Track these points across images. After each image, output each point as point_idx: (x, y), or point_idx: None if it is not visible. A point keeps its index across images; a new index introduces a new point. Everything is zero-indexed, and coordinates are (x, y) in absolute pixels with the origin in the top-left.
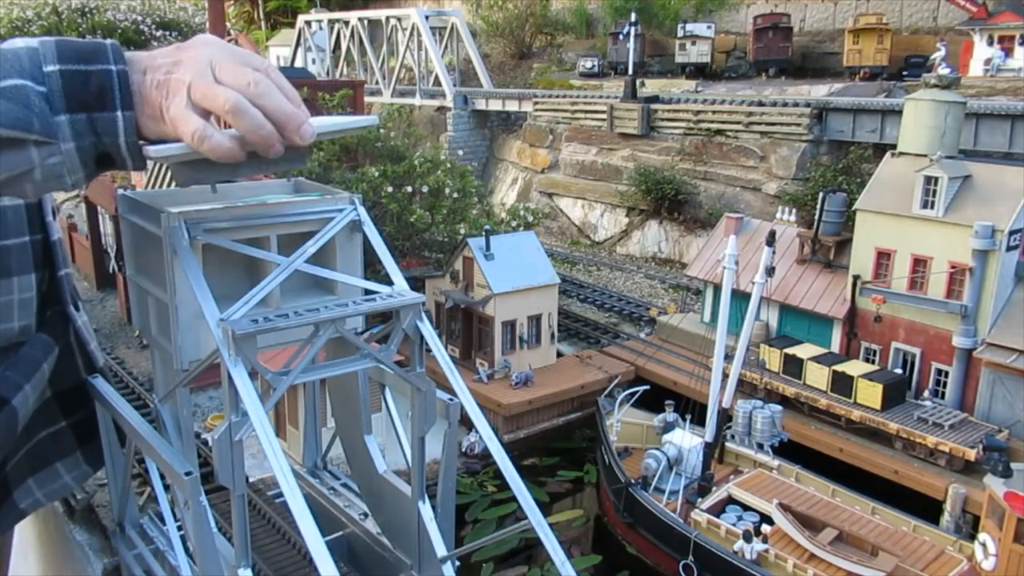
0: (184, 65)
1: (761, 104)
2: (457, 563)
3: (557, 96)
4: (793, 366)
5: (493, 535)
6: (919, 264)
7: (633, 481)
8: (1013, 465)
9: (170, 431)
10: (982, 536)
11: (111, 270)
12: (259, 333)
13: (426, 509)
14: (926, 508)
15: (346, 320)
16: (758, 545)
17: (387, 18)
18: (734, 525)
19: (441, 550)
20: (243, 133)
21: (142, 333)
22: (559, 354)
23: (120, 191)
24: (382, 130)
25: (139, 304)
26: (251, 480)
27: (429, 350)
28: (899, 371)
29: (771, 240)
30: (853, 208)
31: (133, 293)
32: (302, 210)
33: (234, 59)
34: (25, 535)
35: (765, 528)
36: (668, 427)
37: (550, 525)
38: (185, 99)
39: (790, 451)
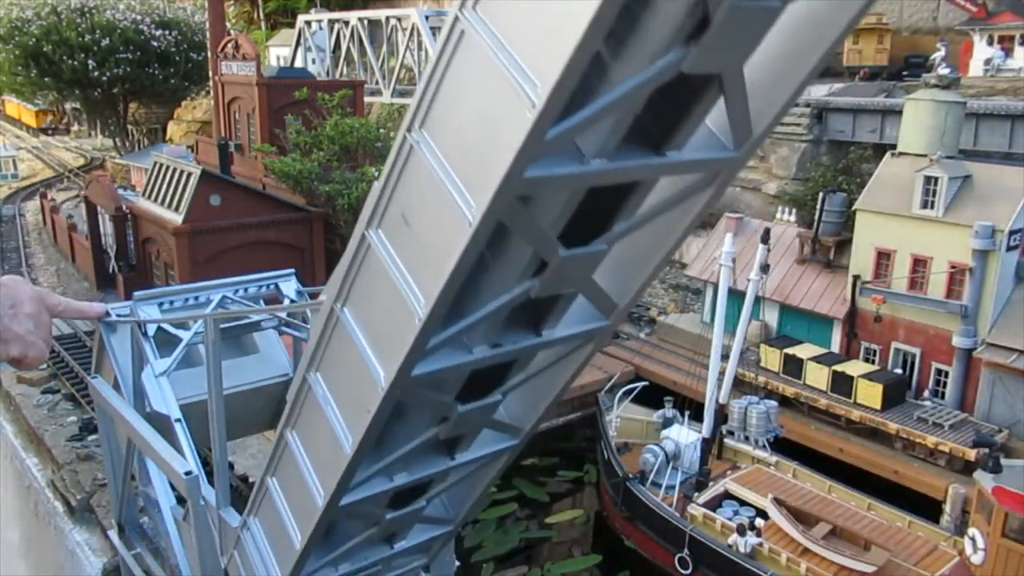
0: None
1: None
2: (457, 563)
3: None
4: (793, 366)
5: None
6: (919, 264)
7: (631, 475)
8: (1004, 461)
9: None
10: (971, 531)
11: (111, 270)
12: (154, 297)
13: None
14: (927, 508)
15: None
16: (752, 539)
17: (387, 18)
18: (729, 519)
19: None
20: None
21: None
22: None
23: (118, 190)
24: (382, 130)
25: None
26: (251, 480)
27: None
28: (899, 371)
29: (766, 238)
30: (853, 208)
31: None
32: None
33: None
34: (25, 535)
35: (760, 522)
36: (667, 423)
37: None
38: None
39: (791, 450)
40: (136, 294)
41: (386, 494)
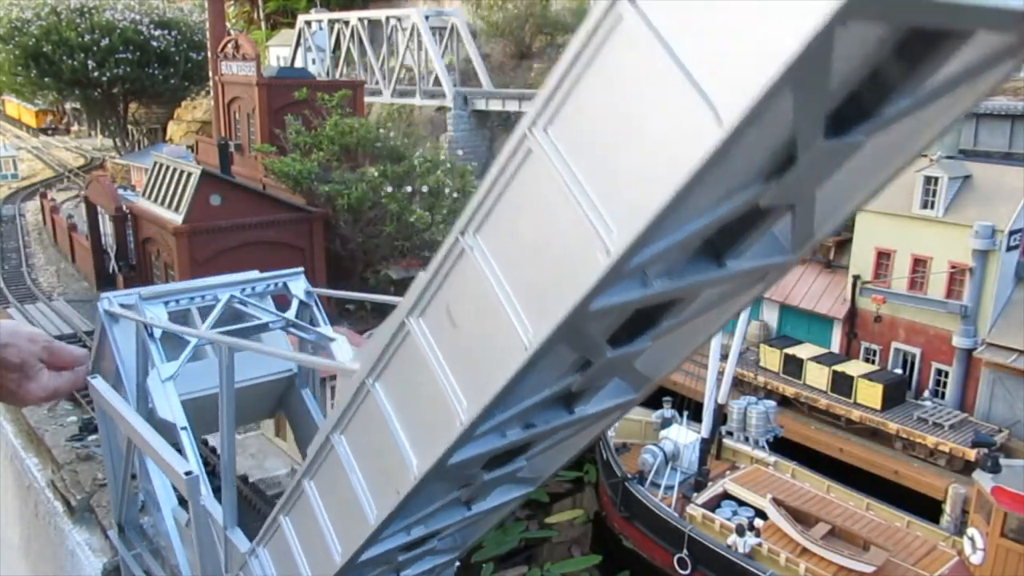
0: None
1: None
2: (457, 563)
3: None
4: (793, 366)
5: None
6: (919, 264)
7: (630, 476)
8: (1003, 461)
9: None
10: (970, 531)
11: (111, 270)
12: (158, 297)
13: None
14: (927, 508)
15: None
16: (751, 539)
17: (387, 18)
18: (728, 520)
19: None
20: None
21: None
22: None
23: (118, 190)
24: (382, 130)
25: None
26: (252, 480)
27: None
28: (899, 371)
29: None
30: None
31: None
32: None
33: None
34: (25, 535)
35: (759, 522)
36: (666, 423)
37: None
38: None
39: (791, 450)
40: (142, 291)
41: (401, 545)
